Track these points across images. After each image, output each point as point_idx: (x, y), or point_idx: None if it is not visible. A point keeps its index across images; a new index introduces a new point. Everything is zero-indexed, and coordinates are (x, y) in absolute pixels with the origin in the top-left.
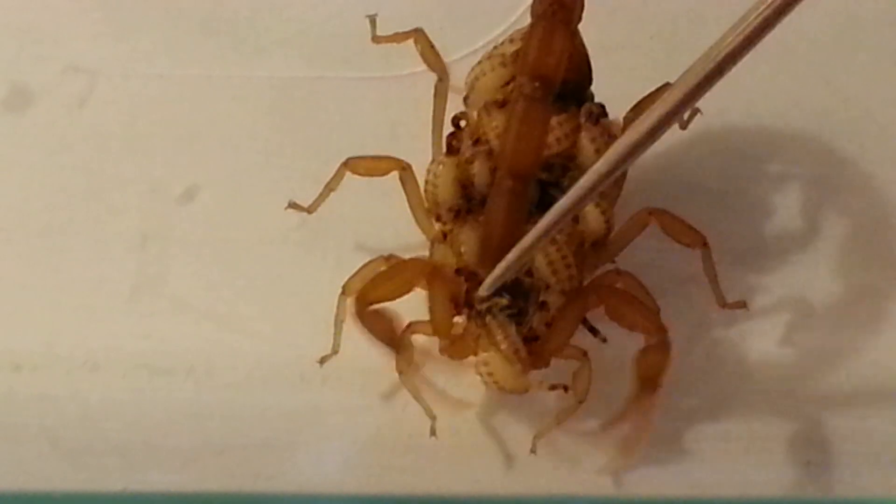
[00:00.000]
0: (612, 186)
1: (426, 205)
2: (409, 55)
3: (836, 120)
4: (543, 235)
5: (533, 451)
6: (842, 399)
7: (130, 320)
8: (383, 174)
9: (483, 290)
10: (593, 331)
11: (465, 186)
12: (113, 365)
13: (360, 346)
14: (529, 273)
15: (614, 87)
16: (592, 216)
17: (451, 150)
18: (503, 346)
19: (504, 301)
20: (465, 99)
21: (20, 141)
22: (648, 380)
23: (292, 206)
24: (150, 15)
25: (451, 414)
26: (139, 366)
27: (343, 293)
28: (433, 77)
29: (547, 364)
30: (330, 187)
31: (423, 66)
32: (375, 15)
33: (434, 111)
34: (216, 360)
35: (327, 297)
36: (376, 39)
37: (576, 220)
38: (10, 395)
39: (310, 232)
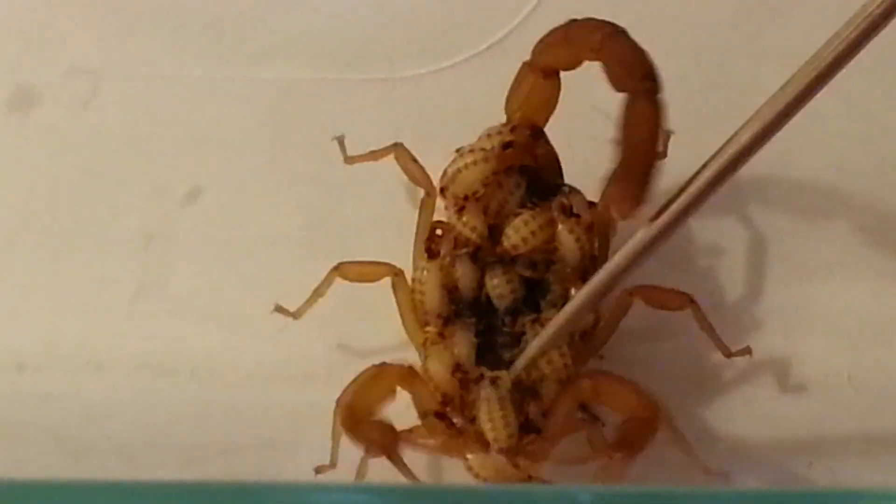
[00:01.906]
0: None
1: (415, 311)
2: (411, 56)
3: (836, 120)
4: (562, 330)
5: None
6: (842, 399)
7: (134, 320)
8: (374, 280)
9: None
10: (592, 416)
11: (450, 291)
12: (116, 364)
13: (362, 344)
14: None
15: (614, 92)
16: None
17: (432, 254)
18: (496, 429)
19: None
20: (443, 190)
21: (24, 142)
22: (630, 445)
23: (278, 309)
24: (154, 17)
25: None
26: (142, 365)
27: (338, 406)
28: (437, 78)
29: (546, 457)
30: (319, 292)
31: (427, 69)
32: (342, 136)
33: (419, 224)
34: (219, 360)
35: (329, 297)
36: (349, 160)
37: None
38: (13, 394)
39: (312, 233)
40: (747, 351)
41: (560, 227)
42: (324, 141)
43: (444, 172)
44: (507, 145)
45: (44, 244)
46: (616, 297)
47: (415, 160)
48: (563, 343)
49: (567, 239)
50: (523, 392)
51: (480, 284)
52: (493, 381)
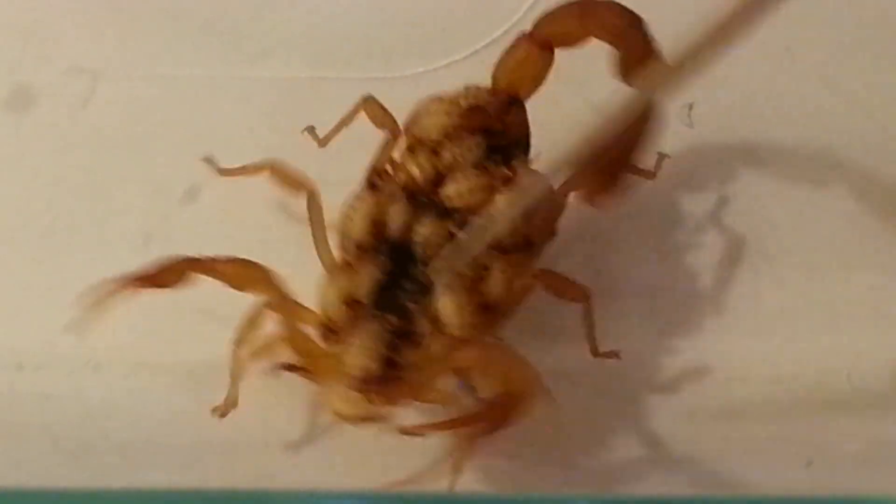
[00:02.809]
0: (522, 256)
1: (336, 232)
2: (409, 55)
3: (837, 120)
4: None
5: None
6: (842, 399)
7: (132, 320)
8: (295, 189)
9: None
10: (469, 388)
11: (377, 225)
12: (115, 364)
13: None
14: (431, 314)
15: (613, 87)
16: (496, 278)
17: (373, 186)
18: (359, 356)
19: (392, 320)
20: (406, 129)
21: (23, 141)
22: (497, 417)
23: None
24: (153, 16)
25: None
26: (141, 365)
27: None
28: (435, 78)
29: (398, 402)
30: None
31: (425, 68)
32: (312, 127)
33: (373, 158)
34: (218, 360)
35: None
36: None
37: (480, 278)
38: (12, 394)
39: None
40: (615, 354)
41: (498, 196)
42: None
43: (412, 111)
44: (475, 108)
45: (42, 244)
46: (521, 279)
47: (383, 109)
48: (474, 304)
49: (501, 209)
50: (404, 337)
51: (408, 229)
52: (377, 319)
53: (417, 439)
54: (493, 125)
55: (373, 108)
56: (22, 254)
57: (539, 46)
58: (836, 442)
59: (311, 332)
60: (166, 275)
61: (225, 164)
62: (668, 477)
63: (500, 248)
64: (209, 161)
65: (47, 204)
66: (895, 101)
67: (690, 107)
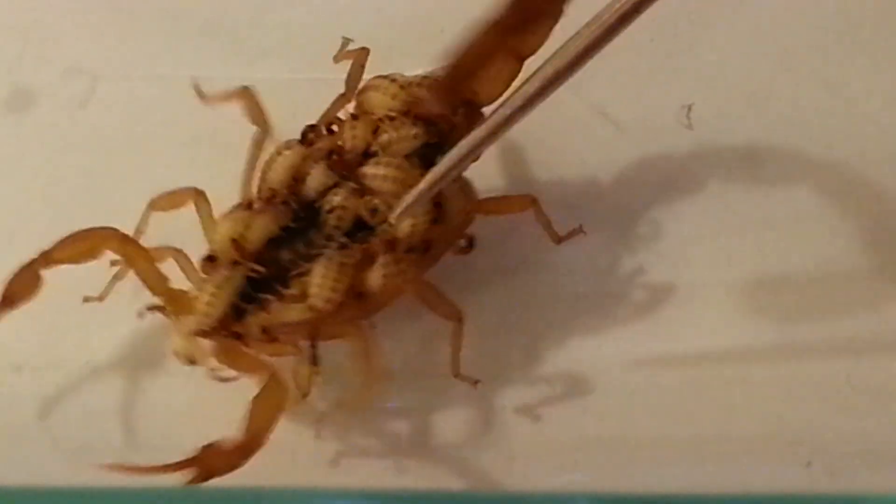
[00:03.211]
0: (413, 258)
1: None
2: (408, 56)
3: (837, 121)
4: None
5: (318, 436)
6: (842, 399)
7: (132, 321)
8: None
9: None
10: (313, 356)
11: (296, 179)
12: (114, 365)
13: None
14: (304, 280)
15: (614, 89)
16: (377, 272)
17: (305, 139)
18: (206, 304)
19: (265, 273)
20: (358, 94)
21: (22, 142)
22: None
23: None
24: (152, 17)
25: None
26: (140, 366)
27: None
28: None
29: (230, 363)
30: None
31: (424, 69)
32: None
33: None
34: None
35: None
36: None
37: (362, 265)
38: (11, 394)
39: None
40: (473, 381)
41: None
42: None
43: (369, 81)
44: (419, 100)
45: (41, 244)
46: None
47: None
48: (344, 283)
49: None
50: (270, 292)
51: (323, 193)
52: (244, 268)
53: (416, 439)
54: (438, 121)
55: (358, 62)
56: (21, 254)
57: (506, 51)
58: (836, 442)
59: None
60: (22, 286)
61: (225, 165)
62: (668, 476)
63: (393, 245)
64: (197, 90)
65: (46, 204)
66: (894, 103)
67: (689, 108)
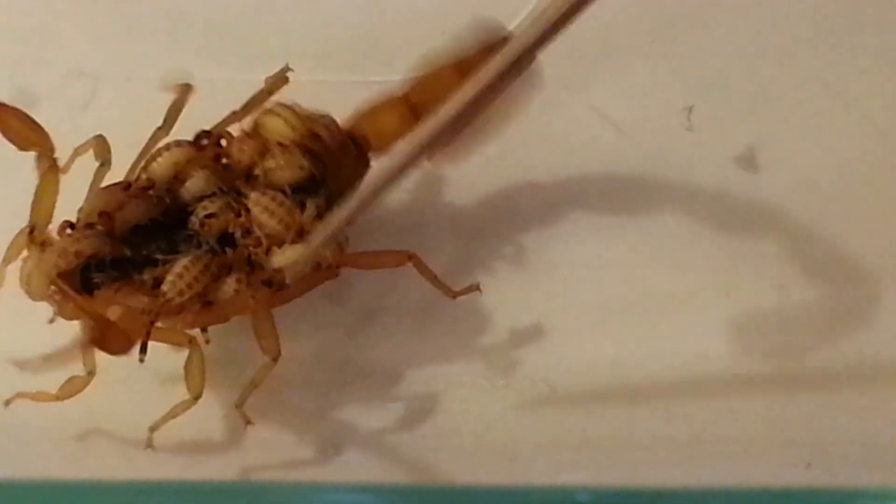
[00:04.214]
0: (276, 290)
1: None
2: (408, 58)
3: (836, 122)
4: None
5: (150, 445)
6: (842, 399)
7: None
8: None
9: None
10: (142, 348)
11: (177, 178)
12: (115, 366)
13: (358, 349)
14: (158, 272)
15: (615, 91)
16: (228, 285)
17: (196, 144)
18: (47, 259)
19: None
20: (258, 116)
21: None
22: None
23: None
24: (153, 19)
25: None
26: (141, 367)
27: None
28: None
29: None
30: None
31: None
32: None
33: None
34: (217, 361)
35: (328, 299)
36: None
37: (219, 274)
38: (12, 394)
39: None
40: (475, 287)
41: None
42: None
43: (272, 103)
44: (316, 136)
45: None
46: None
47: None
48: (203, 279)
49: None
50: (111, 275)
51: (199, 199)
52: (101, 241)
53: (416, 437)
54: (329, 161)
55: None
56: (23, 255)
57: (408, 108)
58: (836, 442)
59: None
60: None
61: None
62: (668, 477)
63: (254, 270)
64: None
65: None
66: (893, 104)
67: (690, 110)
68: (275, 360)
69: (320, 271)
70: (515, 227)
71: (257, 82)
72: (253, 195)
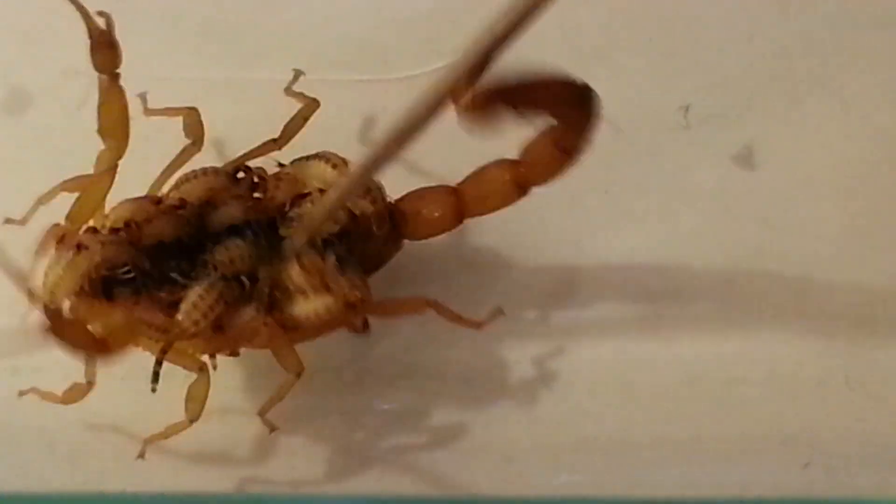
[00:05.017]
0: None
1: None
2: (405, 57)
3: (836, 121)
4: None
5: (141, 456)
6: (841, 399)
7: None
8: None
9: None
10: (154, 377)
11: (209, 203)
12: (112, 368)
13: (356, 350)
14: (176, 293)
15: (612, 89)
16: (244, 317)
17: (232, 176)
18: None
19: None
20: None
21: (20, 143)
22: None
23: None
24: (150, 18)
25: None
26: (138, 368)
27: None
28: (433, 79)
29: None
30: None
31: (421, 70)
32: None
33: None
34: (221, 362)
35: None
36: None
37: (236, 303)
38: (9, 397)
39: None
40: (499, 313)
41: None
42: (319, 141)
43: (319, 153)
44: (363, 216)
45: None
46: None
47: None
48: (215, 310)
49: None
50: (130, 287)
51: (228, 231)
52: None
53: (413, 443)
54: (369, 235)
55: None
56: (19, 256)
57: (456, 203)
58: (836, 442)
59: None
60: None
61: (224, 163)
62: (666, 477)
63: (272, 310)
64: (142, 97)
65: (44, 206)
66: (892, 103)
67: (688, 108)
68: (298, 375)
69: (344, 320)
70: (510, 225)
71: (257, 82)
72: (289, 269)
